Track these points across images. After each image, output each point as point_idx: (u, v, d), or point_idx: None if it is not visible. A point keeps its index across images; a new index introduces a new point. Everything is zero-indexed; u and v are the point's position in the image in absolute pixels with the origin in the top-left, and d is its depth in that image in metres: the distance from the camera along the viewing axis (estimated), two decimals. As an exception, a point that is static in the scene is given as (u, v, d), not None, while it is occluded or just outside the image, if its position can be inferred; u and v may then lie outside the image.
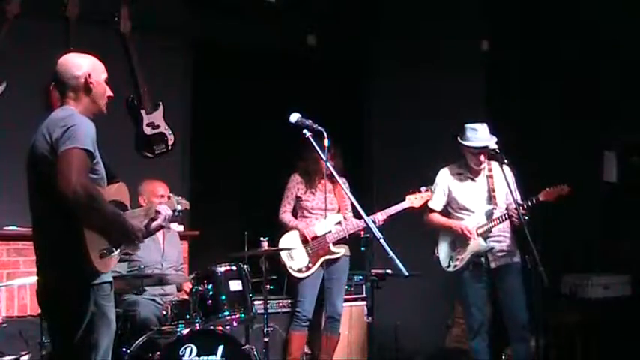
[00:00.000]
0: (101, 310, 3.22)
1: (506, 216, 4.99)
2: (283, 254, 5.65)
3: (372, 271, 3.93)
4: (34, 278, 4.58)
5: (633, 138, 6.15)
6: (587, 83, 6.16)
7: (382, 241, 3.61)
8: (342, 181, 5.52)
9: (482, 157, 5.06)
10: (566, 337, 5.98)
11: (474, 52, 6.86)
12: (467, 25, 6.84)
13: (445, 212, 5.29)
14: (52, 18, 5.57)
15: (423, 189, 5.64)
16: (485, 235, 5.07)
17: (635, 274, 6.14)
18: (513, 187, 5.04)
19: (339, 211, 5.83)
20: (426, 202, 5.61)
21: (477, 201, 5.14)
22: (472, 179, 5.17)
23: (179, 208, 4.24)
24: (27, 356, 4.75)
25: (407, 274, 3.53)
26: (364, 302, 6.03)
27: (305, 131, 3.98)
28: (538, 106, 6.38)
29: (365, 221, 3.83)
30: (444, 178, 5.27)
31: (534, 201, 4.90)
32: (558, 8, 6.24)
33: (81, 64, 3.35)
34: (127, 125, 5.96)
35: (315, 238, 5.67)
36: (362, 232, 3.95)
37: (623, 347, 5.71)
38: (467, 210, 5.16)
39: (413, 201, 5.62)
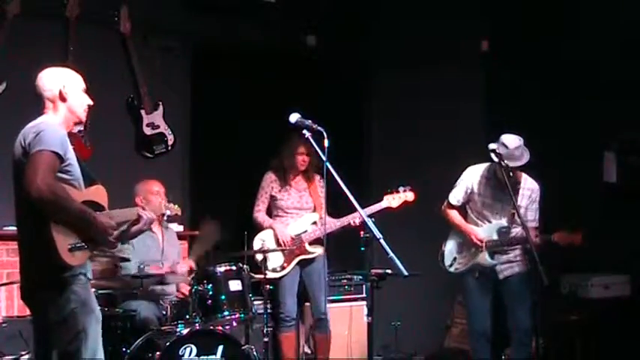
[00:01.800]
0: (79, 297, 3.40)
1: (517, 241, 4.91)
2: (258, 254, 5.58)
3: (372, 271, 3.93)
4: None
5: (633, 138, 6.15)
6: (587, 83, 6.16)
7: (382, 241, 3.62)
8: (318, 178, 5.54)
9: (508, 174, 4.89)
10: (566, 337, 5.98)
11: (474, 52, 6.86)
12: (467, 25, 6.84)
13: (463, 209, 5.22)
14: (52, 18, 5.57)
15: (401, 189, 5.61)
16: (492, 251, 5.01)
17: (634, 274, 6.14)
18: (534, 206, 5.02)
19: (314, 210, 5.79)
20: (404, 202, 5.59)
21: (496, 213, 5.06)
22: (497, 188, 5.01)
23: (167, 212, 4.27)
24: (27, 356, 4.74)
25: (406, 274, 3.54)
26: (364, 302, 6.04)
27: (305, 131, 3.99)
28: (538, 105, 6.37)
29: (365, 221, 3.84)
30: (472, 175, 5.15)
31: (546, 240, 4.85)
32: (558, 8, 6.24)
33: (55, 77, 3.58)
34: (126, 125, 5.96)
35: (289, 244, 5.62)
36: (362, 232, 3.95)
37: (623, 347, 5.71)
38: (484, 218, 5.09)
39: (391, 201, 5.59)
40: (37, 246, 3.35)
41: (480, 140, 5.38)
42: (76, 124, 3.61)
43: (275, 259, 5.62)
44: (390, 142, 6.99)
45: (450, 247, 5.23)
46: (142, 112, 5.95)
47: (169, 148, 6.05)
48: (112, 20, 5.82)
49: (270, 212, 5.79)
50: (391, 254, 3.55)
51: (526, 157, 4.90)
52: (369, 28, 7.05)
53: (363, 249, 3.94)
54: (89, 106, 3.64)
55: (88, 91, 3.64)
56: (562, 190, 5.61)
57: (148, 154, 6.00)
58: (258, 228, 5.71)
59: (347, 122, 6.76)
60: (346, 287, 6.17)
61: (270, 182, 5.75)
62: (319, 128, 3.97)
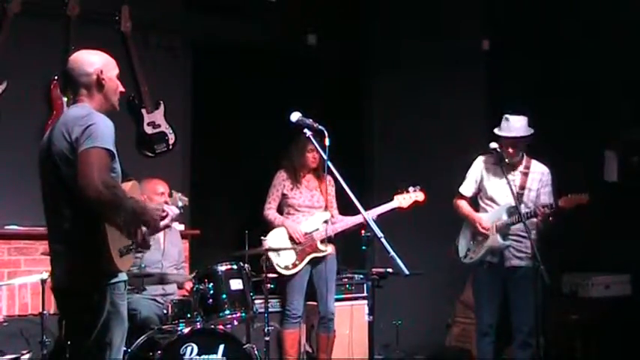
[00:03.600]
0: (116, 308, 3.23)
1: (528, 215, 4.88)
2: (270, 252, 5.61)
3: (373, 270, 3.93)
4: (35, 277, 4.65)
5: (633, 137, 6.15)
6: (588, 83, 6.16)
7: (383, 240, 3.61)
8: (329, 179, 5.55)
9: (510, 149, 4.99)
10: (566, 337, 5.98)
11: (474, 52, 6.86)
12: (467, 25, 6.84)
13: (475, 200, 5.24)
14: (53, 17, 5.56)
15: (411, 189, 5.63)
16: (504, 232, 4.99)
17: (635, 274, 6.14)
18: (547, 189, 5.04)
19: (325, 209, 5.79)
20: (415, 202, 5.60)
21: (505, 195, 5.03)
22: (505, 173, 4.97)
23: (180, 204, 4.24)
24: (27, 355, 4.75)
25: (407, 273, 3.53)
26: (365, 301, 6.04)
27: (306, 130, 3.99)
28: (538, 105, 6.37)
29: (365, 220, 3.84)
30: (479, 165, 5.20)
31: (553, 206, 4.84)
32: (558, 8, 6.24)
33: (92, 61, 3.33)
34: (127, 124, 5.95)
35: (302, 239, 5.64)
36: (362, 231, 3.95)
37: (623, 347, 5.72)
38: (493, 202, 5.10)
39: (401, 201, 5.61)
40: (85, 248, 3.14)
41: (481, 140, 5.39)
42: (107, 111, 3.30)
43: (287, 257, 5.64)
44: (390, 142, 6.99)
45: (463, 239, 5.22)
46: (143, 111, 5.95)
47: (170, 147, 6.04)
48: (112, 19, 5.81)
49: (280, 211, 5.80)
50: (392, 253, 3.54)
51: (529, 132, 4.96)
52: (369, 28, 7.04)
53: (364, 248, 3.94)
54: (122, 93, 3.42)
55: (119, 77, 3.43)
56: (562, 189, 5.60)
57: (149, 153, 5.99)
58: (269, 226, 5.72)
59: (347, 122, 6.75)
60: (347, 286, 6.16)
61: (281, 180, 5.77)
62: (320, 127, 3.97)
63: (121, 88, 3.41)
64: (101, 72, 3.30)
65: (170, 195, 5.15)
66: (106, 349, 3.22)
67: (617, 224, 5.92)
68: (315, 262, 5.73)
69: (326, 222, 5.71)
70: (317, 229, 5.69)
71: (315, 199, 5.75)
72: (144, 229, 3.29)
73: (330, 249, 5.73)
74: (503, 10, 6.58)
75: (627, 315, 5.88)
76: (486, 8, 6.77)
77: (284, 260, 5.64)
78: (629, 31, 5.91)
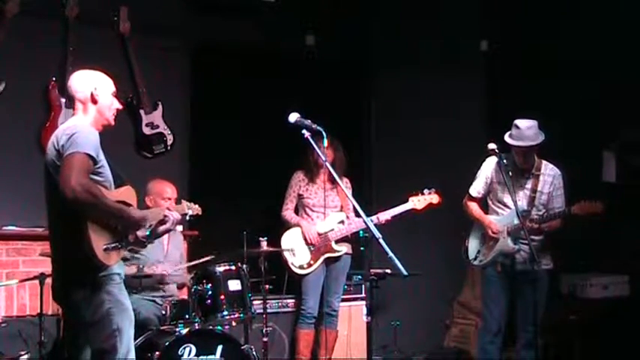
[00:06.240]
0: (114, 297, 3.50)
1: (540, 219, 4.85)
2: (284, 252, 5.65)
3: (372, 270, 3.93)
4: (33, 278, 4.65)
5: (632, 138, 6.15)
6: (587, 83, 6.16)
7: (381, 240, 3.61)
8: (344, 180, 5.57)
9: (522, 157, 4.92)
10: (565, 337, 5.98)
11: (473, 52, 6.86)
12: (467, 25, 6.84)
13: (484, 202, 5.17)
14: (51, 18, 5.56)
15: (426, 191, 5.65)
16: (515, 236, 4.93)
17: (633, 275, 6.14)
18: (559, 192, 4.98)
19: (341, 210, 5.83)
20: (429, 204, 5.60)
21: (518, 199, 4.92)
22: (516, 175, 4.94)
23: (190, 212, 4.29)
24: (26, 356, 4.76)
25: (406, 273, 3.53)
26: (363, 302, 6.04)
27: (304, 131, 3.98)
28: (538, 106, 6.37)
29: (364, 221, 3.83)
30: (490, 166, 5.08)
31: (566, 211, 4.81)
32: (558, 8, 6.24)
33: (88, 79, 3.69)
34: (126, 125, 5.95)
35: (316, 240, 5.68)
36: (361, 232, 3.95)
37: (622, 347, 5.72)
38: (504, 205, 5.03)
39: (416, 203, 5.63)
40: (73, 246, 3.43)
41: (480, 140, 5.37)
42: (104, 126, 3.69)
43: (302, 256, 5.69)
44: (390, 142, 6.99)
45: (473, 241, 5.16)
46: (142, 112, 5.95)
47: (169, 147, 6.04)
48: (111, 20, 5.81)
49: (297, 212, 5.85)
50: (390, 254, 3.53)
51: (540, 138, 4.88)
52: (369, 28, 7.04)
53: (362, 249, 3.93)
54: (117, 110, 3.74)
55: (117, 95, 3.75)
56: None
57: (148, 154, 6.00)
58: (286, 226, 5.78)
59: (347, 122, 6.75)
60: (344, 287, 6.16)
61: (298, 181, 5.82)
62: (318, 128, 3.97)
63: (118, 106, 3.73)
64: (95, 89, 3.65)
65: (178, 202, 5.16)
66: (115, 335, 3.47)
67: (617, 224, 5.91)
68: (329, 262, 5.76)
69: (341, 222, 5.75)
70: (332, 230, 5.73)
71: (330, 199, 5.78)
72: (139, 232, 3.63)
73: (345, 249, 5.77)
74: (501, 10, 6.57)
75: (625, 315, 5.88)
76: (486, 8, 6.77)
77: (299, 260, 5.69)
78: (628, 32, 5.90)
